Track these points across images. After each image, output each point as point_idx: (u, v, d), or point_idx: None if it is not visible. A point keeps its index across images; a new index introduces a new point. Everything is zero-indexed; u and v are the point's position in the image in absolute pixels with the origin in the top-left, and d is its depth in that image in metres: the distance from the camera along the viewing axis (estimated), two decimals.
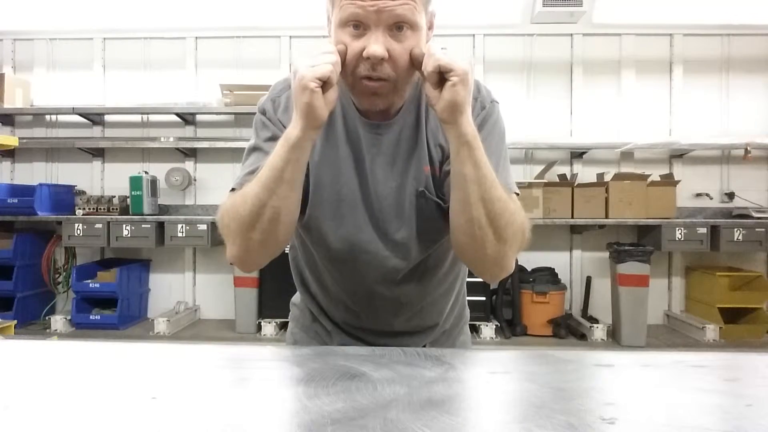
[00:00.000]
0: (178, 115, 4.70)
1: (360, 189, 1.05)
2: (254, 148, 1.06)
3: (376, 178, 1.05)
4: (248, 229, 0.97)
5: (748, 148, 4.31)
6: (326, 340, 1.20)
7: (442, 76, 0.90)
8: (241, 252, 1.00)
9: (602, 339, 4.13)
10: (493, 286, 4.35)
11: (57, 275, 4.77)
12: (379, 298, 1.10)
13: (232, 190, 1.02)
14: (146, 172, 4.55)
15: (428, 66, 0.90)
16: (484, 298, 4.16)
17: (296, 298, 1.28)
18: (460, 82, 0.89)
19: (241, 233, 0.98)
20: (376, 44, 0.92)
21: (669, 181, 4.38)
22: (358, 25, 0.93)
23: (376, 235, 1.06)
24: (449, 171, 1.00)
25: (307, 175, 1.04)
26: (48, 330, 4.33)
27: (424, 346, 1.18)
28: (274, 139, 1.00)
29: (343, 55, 0.94)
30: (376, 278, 1.08)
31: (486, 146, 0.97)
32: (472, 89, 0.95)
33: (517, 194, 1.03)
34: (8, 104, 4.55)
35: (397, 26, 0.93)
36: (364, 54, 0.92)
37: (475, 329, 4.12)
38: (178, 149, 4.68)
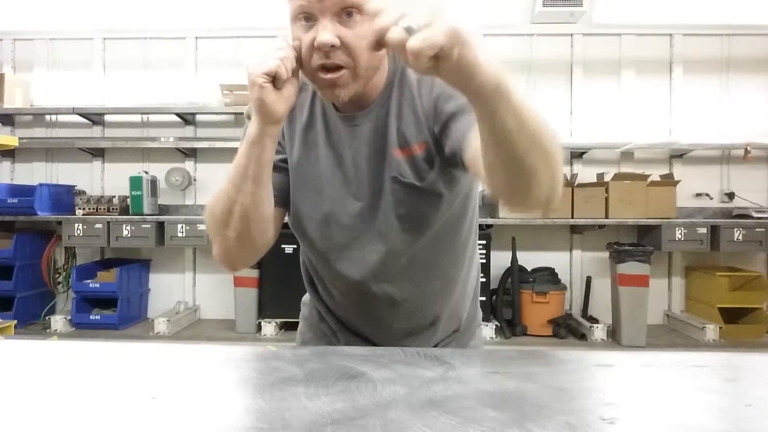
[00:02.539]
0: (178, 115, 4.70)
1: (344, 185, 1.06)
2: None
3: (358, 171, 1.05)
4: (223, 228, 0.99)
5: (748, 148, 4.32)
6: (332, 340, 1.21)
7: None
8: (222, 250, 1.03)
9: (602, 339, 4.13)
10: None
11: (57, 275, 4.77)
12: (371, 295, 1.10)
13: None
14: (146, 172, 4.55)
15: (413, 63, 0.72)
16: (484, 298, 4.15)
17: (306, 297, 1.29)
18: (455, 47, 0.70)
19: (219, 232, 1.01)
20: (323, 32, 0.91)
21: (669, 181, 4.38)
22: (309, 17, 0.92)
23: (362, 230, 1.06)
24: (442, 135, 0.98)
25: (288, 176, 1.08)
26: (48, 330, 4.33)
27: (436, 346, 1.17)
28: None
29: (299, 50, 0.94)
30: (365, 274, 1.08)
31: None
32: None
33: None
34: (8, 104, 4.55)
35: (347, 12, 0.91)
36: (314, 44, 0.91)
37: None
38: (178, 149, 4.68)
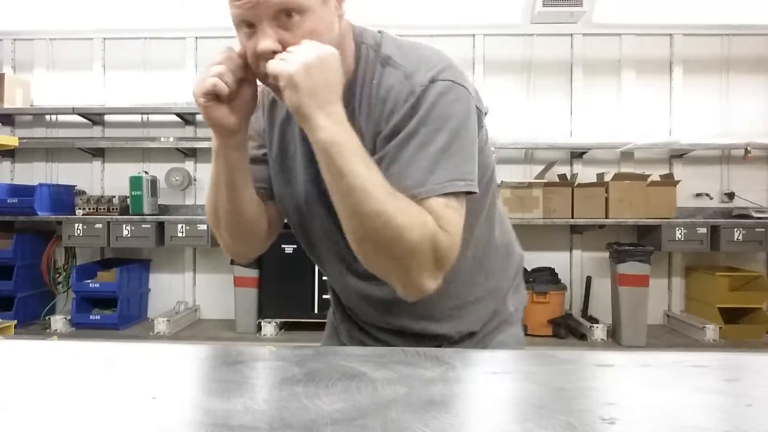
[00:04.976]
0: (178, 115, 4.70)
1: (315, 182, 1.00)
2: None
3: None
4: (216, 228, 1.05)
5: (748, 148, 4.32)
6: (338, 328, 1.20)
7: None
8: (224, 246, 1.08)
9: (602, 339, 4.13)
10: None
11: (57, 275, 4.77)
12: (350, 286, 1.08)
13: None
14: (146, 172, 4.55)
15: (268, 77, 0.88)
16: None
17: None
18: (286, 87, 0.85)
19: (216, 231, 1.06)
20: (262, 40, 0.88)
21: (669, 181, 4.38)
22: (249, 24, 0.90)
23: (334, 225, 1.00)
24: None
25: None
26: (48, 330, 4.33)
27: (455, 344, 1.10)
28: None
29: (245, 58, 0.93)
30: (342, 268, 1.06)
31: (412, 137, 0.90)
32: (331, 81, 0.87)
33: (470, 192, 0.91)
34: (8, 104, 4.55)
35: (286, 14, 0.87)
36: (256, 52, 0.90)
37: None
38: (178, 149, 4.68)
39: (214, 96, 0.91)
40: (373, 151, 0.94)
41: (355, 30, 1.01)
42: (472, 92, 0.96)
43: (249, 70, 0.93)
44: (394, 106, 0.94)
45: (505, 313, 1.15)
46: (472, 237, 1.05)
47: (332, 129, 0.86)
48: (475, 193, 0.92)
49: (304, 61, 0.85)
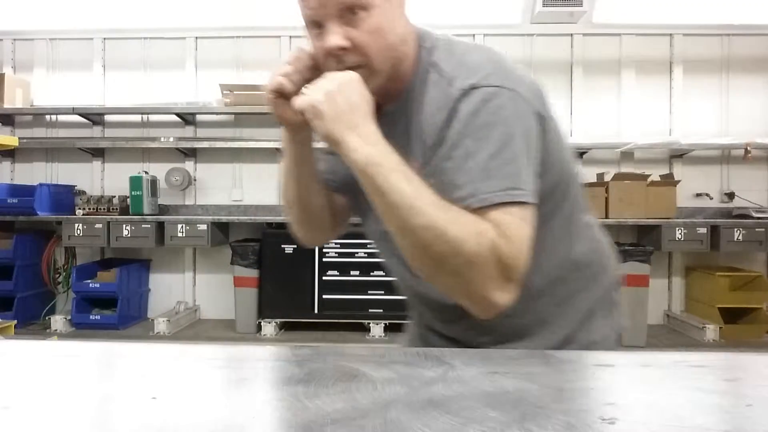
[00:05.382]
0: (178, 115, 4.70)
1: None
2: None
3: None
4: (288, 213, 1.11)
5: (748, 148, 4.32)
6: (412, 337, 1.20)
7: None
8: (293, 230, 1.13)
9: None
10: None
11: (57, 275, 4.77)
12: (419, 294, 1.08)
13: None
14: (146, 172, 4.55)
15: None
16: None
17: None
18: (312, 118, 0.89)
19: (287, 215, 1.12)
20: (330, 36, 0.91)
21: (669, 181, 4.38)
22: (318, 24, 0.93)
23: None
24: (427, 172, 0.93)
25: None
26: (48, 330, 4.33)
27: None
28: None
29: (315, 59, 0.96)
30: (406, 270, 1.01)
31: (457, 146, 0.88)
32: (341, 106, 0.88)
33: (525, 203, 0.86)
34: (8, 104, 4.55)
35: (351, 11, 0.90)
36: (325, 50, 0.92)
37: None
38: (178, 149, 4.69)
39: (280, 94, 0.95)
40: (424, 161, 0.94)
41: (418, 32, 1.01)
42: (527, 96, 0.92)
43: (318, 71, 0.95)
44: (436, 114, 0.93)
45: (584, 341, 1.03)
46: (543, 251, 0.96)
47: (366, 149, 0.87)
48: (533, 204, 0.88)
49: (325, 90, 0.89)
